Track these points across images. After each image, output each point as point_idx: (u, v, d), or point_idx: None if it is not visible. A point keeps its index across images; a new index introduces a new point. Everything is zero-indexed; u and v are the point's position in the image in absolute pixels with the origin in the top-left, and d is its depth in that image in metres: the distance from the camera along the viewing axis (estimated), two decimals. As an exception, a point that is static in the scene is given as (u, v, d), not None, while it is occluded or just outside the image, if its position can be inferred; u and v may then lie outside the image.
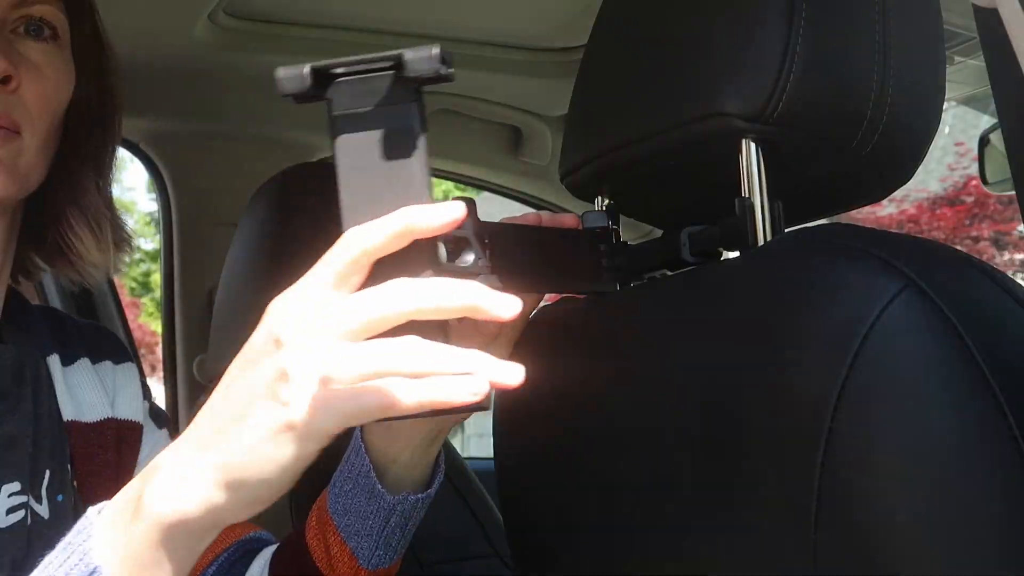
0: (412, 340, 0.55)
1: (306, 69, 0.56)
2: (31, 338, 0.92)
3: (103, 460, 0.91)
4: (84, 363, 0.95)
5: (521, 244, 0.78)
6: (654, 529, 0.76)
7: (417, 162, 0.55)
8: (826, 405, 0.60)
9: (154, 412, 0.99)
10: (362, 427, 0.85)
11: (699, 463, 0.71)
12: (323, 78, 0.56)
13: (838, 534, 0.61)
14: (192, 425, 0.60)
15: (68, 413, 0.90)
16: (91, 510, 0.64)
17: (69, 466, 0.89)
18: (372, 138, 0.56)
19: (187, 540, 0.60)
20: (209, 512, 0.58)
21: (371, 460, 0.85)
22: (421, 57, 0.54)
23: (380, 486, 0.85)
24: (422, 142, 0.56)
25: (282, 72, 0.56)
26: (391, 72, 0.55)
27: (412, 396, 0.54)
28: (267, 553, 0.96)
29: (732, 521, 0.69)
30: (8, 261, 0.91)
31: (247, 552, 0.96)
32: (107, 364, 0.97)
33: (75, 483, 0.89)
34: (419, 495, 0.87)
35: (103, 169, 0.94)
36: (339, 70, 0.56)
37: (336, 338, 0.55)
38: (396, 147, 0.56)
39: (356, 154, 0.56)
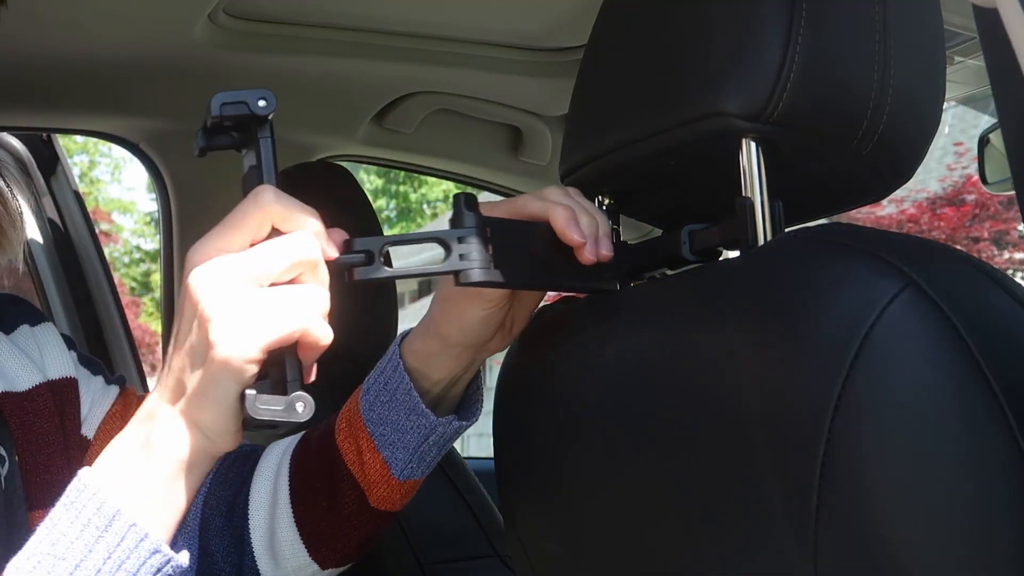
0: (310, 286, 0.69)
1: None
2: None
3: (44, 428, 0.91)
4: None
5: (523, 239, 0.82)
6: (654, 529, 0.77)
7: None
8: (826, 405, 0.60)
9: (84, 360, 1.00)
10: (400, 349, 0.92)
11: (699, 463, 0.71)
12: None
13: (838, 535, 0.61)
14: (162, 378, 0.71)
15: None
16: (82, 472, 0.71)
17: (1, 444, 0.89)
18: None
19: (194, 471, 0.71)
20: (203, 449, 0.70)
21: (410, 380, 0.90)
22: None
23: (423, 406, 0.89)
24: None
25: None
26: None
27: (305, 325, 0.68)
28: (278, 448, 0.99)
29: (733, 522, 0.69)
30: None
31: (240, 456, 1.00)
32: (23, 329, 0.97)
33: (16, 456, 0.89)
34: (462, 422, 0.91)
35: None
36: None
37: (242, 283, 0.67)
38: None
39: None
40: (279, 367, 0.69)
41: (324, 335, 0.69)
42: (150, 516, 0.69)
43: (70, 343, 1.00)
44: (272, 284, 0.69)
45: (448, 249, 0.77)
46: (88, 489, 0.69)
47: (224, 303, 0.67)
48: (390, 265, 0.79)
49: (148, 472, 0.70)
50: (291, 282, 0.69)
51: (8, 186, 0.96)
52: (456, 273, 0.77)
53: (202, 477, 0.72)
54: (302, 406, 0.68)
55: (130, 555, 0.68)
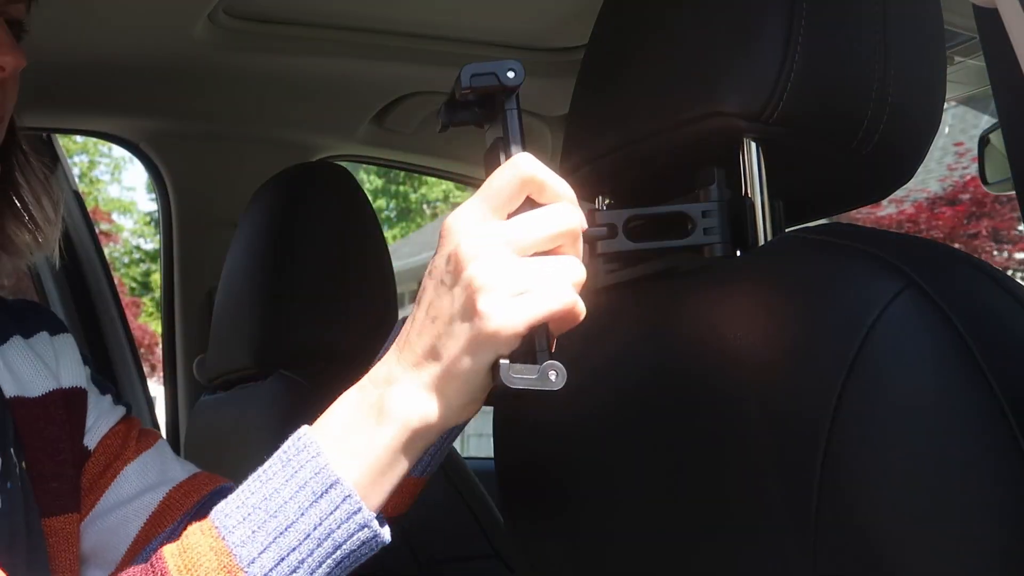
0: (571, 258, 0.67)
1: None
2: None
3: (54, 435, 0.91)
4: (17, 340, 0.95)
5: None
6: (654, 528, 0.77)
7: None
8: (827, 404, 0.60)
9: (96, 379, 1.00)
10: None
11: (700, 462, 0.71)
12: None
13: (838, 534, 0.61)
14: (405, 345, 0.69)
15: (10, 390, 0.90)
16: (303, 429, 0.69)
17: (12, 450, 0.88)
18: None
19: (421, 442, 0.68)
20: (441, 417, 0.68)
21: None
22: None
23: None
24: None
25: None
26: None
27: (572, 299, 0.66)
28: None
29: (733, 521, 0.69)
30: None
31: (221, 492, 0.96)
32: (42, 336, 0.97)
33: (23, 463, 0.88)
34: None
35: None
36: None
37: (510, 253, 0.66)
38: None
39: None
40: (529, 337, 0.67)
41: (583, 309, 0.67)
42: (366, 488, 0.67)
43: (86, 359, 1.00)
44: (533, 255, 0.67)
45: (692, 224, 0.77)
46: (308, 450, 0.68)
47: (496, 275, 0.65)
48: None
49: (375, 440, 0.68)
50: (549, 253, 0.67)
51: (47, 184, 0.98)
52: (701, 247, 0.77)
53: (422, 452, 0.69)
54: (555, 375, 0.66)
55: (340, 526, 0.67)
